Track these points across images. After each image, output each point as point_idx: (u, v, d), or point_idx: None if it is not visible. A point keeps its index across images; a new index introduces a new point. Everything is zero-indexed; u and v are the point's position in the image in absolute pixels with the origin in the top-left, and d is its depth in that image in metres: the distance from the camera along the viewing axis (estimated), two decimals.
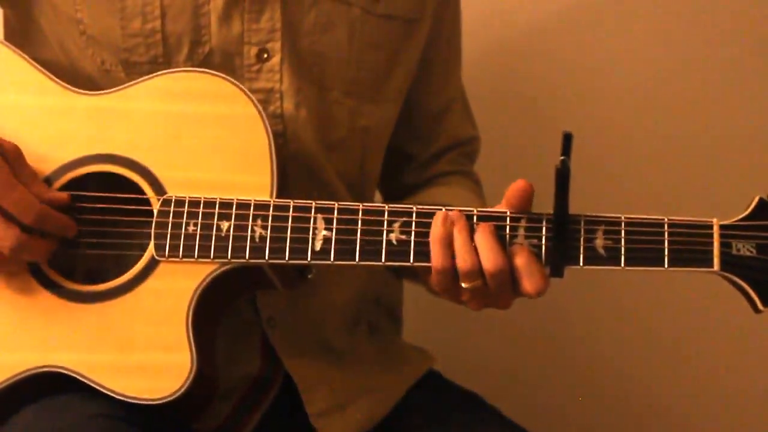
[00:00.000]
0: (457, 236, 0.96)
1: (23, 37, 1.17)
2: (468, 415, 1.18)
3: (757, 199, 0.98)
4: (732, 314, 1.18)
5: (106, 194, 1.05)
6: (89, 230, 1.06)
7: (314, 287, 1.13)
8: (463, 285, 0.96)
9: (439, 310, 1.54)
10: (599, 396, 1.66)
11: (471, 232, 0.96)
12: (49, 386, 1.02)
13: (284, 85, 1.11)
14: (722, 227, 0.96)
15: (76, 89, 1.08)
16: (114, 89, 1.08)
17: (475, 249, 0.95)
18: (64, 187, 1.05)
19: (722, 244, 0.96)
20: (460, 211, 0.98)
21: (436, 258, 0.96)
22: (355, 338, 1.22)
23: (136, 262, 1.03)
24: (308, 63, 1.13)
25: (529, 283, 0.95)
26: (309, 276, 1.09)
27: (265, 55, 1.11)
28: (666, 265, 0.96)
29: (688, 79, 1.59)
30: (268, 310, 1.13)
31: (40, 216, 0.98)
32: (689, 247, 0.96)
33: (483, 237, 0.96)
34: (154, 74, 1.07)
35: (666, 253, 0.96)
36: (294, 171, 1.10)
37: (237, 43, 1.10)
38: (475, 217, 0.98)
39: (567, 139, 0.95)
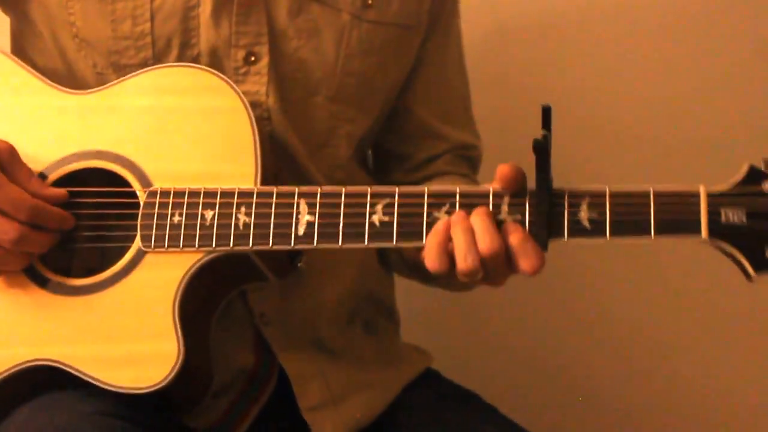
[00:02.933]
0: (461, 237, 0.94)
1: (24, 42, 1.19)
2: (466, 413, 1.16)
3: (746, 166, 0.95)
4: (732, 311, 1.16)
5: (94, 189, 1.06)
6: (79, 225, 1.06)
7: (305, 284, 1.13)
8: (463, 280, 0.95)
9: (438, 309, 1.54)
10: (598, 395, 1.65)
11: (472, 232, 0.95)
12: (42, 380, 1.02)
13: (271, 87, 1.11)
14: (710, 195, 0.94)
15: (66, 89, 1.10)
16: (102, 87, 1.09)
17: (477, 249, 0.94)
18: (55, 185, 1.06)
19: (710, 212, 0.93)
20: (443, 191, 0.97)
21: (434, 261, 0.95)
22: (349, 337, 1.21)
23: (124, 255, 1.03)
24: (292, 68, 1.13)
25: (525, 262, 0.93)
26: (299, 264, 1.08)
27: (252, 58, 1.11)
28: (653, 235, 0.94)
29: (674, 61, 1.58)
30: (259, 307, 1.13)
31: (33, 211, 0.99)
32: (676, 216, 0.94)
33: (479, 218, 0.95)
34: (141, 71, 1.08)
35: (652, 223, 0.93)
36: (280, 171, 1.10)
37: (225, 45, 1.11)
38: (457, 196, 0.97)
39: (546, 112, 0.94)
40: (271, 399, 1.15)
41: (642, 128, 1.58)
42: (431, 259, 0.95)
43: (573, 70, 1.61)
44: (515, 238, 0.94)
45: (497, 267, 0.95)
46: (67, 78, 1.14)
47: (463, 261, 0.94)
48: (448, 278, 0.97)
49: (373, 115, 1.21)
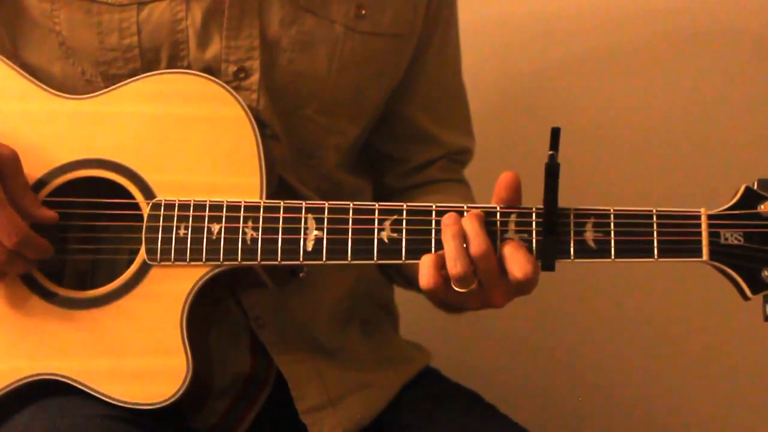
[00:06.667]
0: (451, 242, 0.95)
1: (11, 44, 1.14)
2: (465, 412, 1.17)
3: (743, 188, 0.99)
4: (729, 312, 1.18)
5: (96, 200, 1.04)
6: (79, 236, 1.05)
7: (301, 287, 1.13)
8: (458, 289, 0.96)
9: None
10: (598, 395, 1.65)
11: (464, 237, 0.95)
12: (46, 392, 1.02)
13: (261, 104, 1.10)
14: (710, 217, 0.97)
15: (61, 93, 1.08)
16: (99, 92, 1.07)
17: (469, 254, 0.95)
18: (53, 193, 1.05)
19: (710, 234, 0.96)
20: (451, 207, 0.98)
21: (426, 278, 0.95)
22: (347, 336, 1.22)
23: (126, 267, 1.03)
24: (284, 81, 1.11)
25: (516, 268, 0.94)
26: (301, 275, 1.09)
27: (243, 74, 1.09)
28: (656, 256, 0.97)
29: (675, 73, 1.58)
30: (254, 311, 1.13)
31: (22, 241, 0.98)
32: (678, 237, 0.97)
33: (469, 222, 0.95)
34: (139, 77, 1.06)
35: (655, 244, 0.96)
36: None
37: (215, 60, 1.09)
38: (465, 213, 0.98)
39: (555, 133, 0.95)
40: (270, 401, 1.16)
41: (640, 132, 1.59)
42: (423, 276, 0.96)
43: (567, 71, 1.62)
44: (508, 247, 0.95)
45: (490, 273, 0.95)
46: (58, 78, 1.11)
47: (454, 266, 0.94)
48: (444, 297, 0.98)
49: (362, 124, 1.21)
